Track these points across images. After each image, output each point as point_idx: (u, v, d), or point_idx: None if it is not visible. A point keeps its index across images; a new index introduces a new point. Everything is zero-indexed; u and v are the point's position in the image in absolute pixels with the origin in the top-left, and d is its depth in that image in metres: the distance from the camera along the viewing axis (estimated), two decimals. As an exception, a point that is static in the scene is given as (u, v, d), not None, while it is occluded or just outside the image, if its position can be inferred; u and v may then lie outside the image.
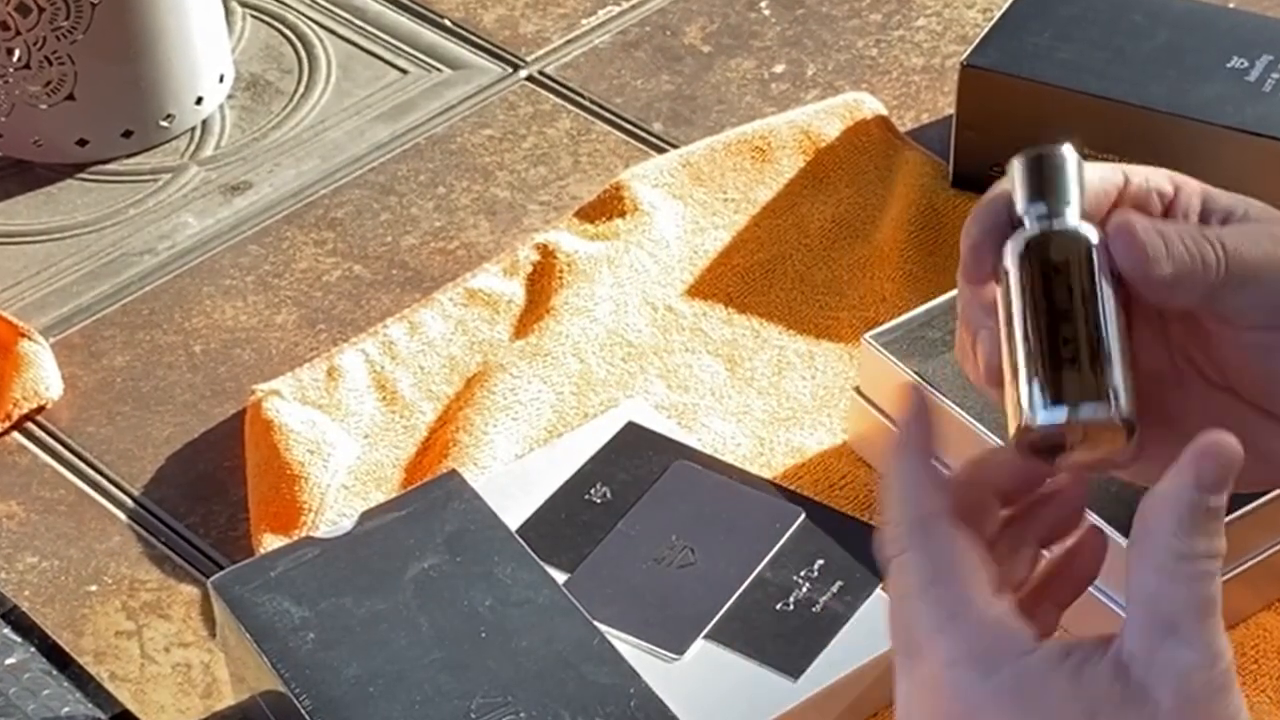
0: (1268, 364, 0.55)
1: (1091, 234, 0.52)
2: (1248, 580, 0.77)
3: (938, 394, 0.80)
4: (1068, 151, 0.53)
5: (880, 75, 1.06)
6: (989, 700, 0.48)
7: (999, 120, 0.95)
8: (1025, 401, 0.50)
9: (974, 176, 0.97)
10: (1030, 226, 0.52)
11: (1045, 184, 0.52)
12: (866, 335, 0.83)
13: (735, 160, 0.99)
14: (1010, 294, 0.51)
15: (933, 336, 0.83)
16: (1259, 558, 0.77)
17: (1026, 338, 0.51)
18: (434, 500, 0.76)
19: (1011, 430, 0.51)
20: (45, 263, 0.97)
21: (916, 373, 0.81)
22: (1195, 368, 0.56)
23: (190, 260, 0.97)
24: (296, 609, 0.72)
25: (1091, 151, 0.94)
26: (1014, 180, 0.53)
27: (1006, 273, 0.52)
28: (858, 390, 0.84)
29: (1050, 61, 0.94)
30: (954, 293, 0.84)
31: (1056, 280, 0.51)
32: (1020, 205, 0.52)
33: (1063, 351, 0.50)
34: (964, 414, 0.79)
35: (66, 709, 0.77)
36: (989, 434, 0.79)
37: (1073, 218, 0.52)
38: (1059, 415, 0.50)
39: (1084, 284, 0.51)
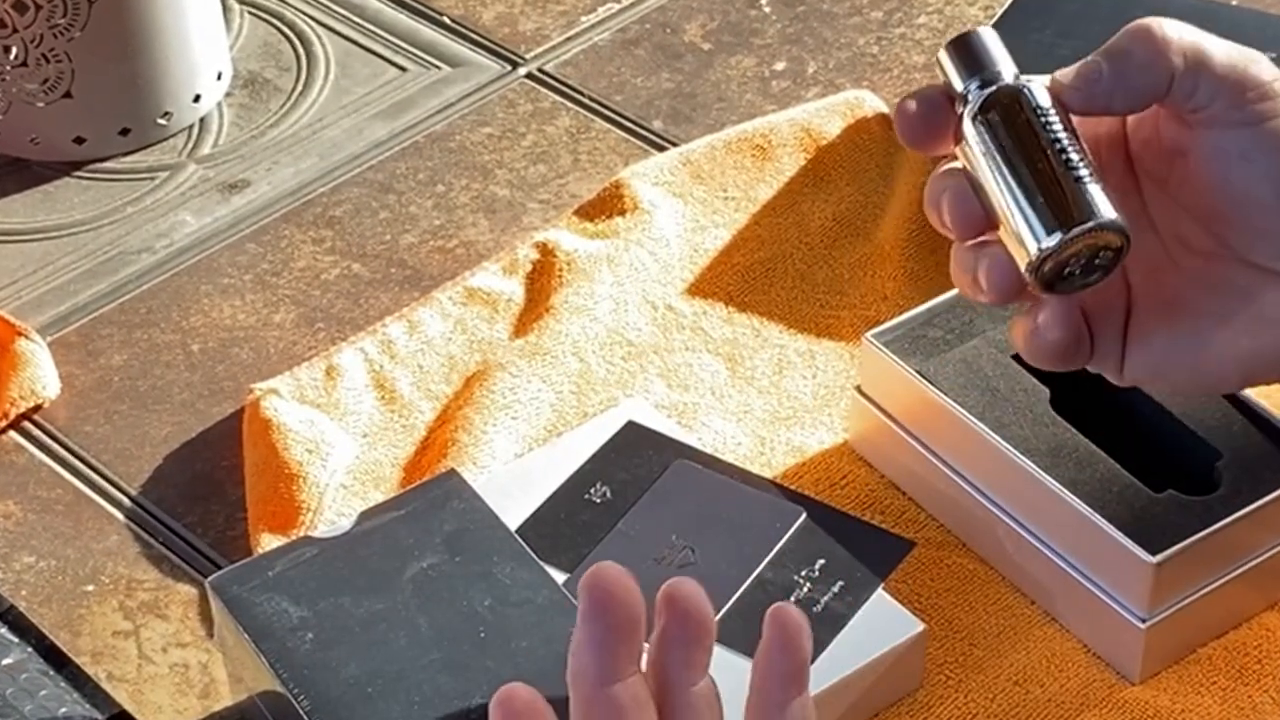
0: (1242, 174, 0.57)
1: (1034, 80, 0.57)
2: (1250, 580, 0.77)
3: (938, 393, 0.80)
4: (985, 30, 0.58)
5: (881, 73, 1.06)
6: None
7: None
8: (1027, 235, 0.55)
9: None
10: (975, 96, 0.57)
11: (976, 59, 0.58)
12: (867, 334, 0.83)
13: (736, 158, 0.99)
14: (979, 154, 0.56)
15: (934, 335, 0.83)
16: (1261, 558, 0.77)
17: (1007, 183, 0.56)
18: (433, 500, 0.76)
19: (1022, 268, 0.56)
20: (42, 261, 0.97)
21: (918, 372, 0.81)
22: (1180, 238, 0.59)
23: (188, 259, 0.97)
24: (295, 609, 0.72)
25: None
26: (946, 67, 0.58)
27: (968, 141, 0.57)
28: (859, 389, 0.84)
29: (1052, 58, 0.93)
30: (955, 292, 0.84)
31: (1017, 125, 0.56)
32: (959, 84, 0.58)
33: (1043, 183, 0.55)
34: (965, 413, 0.79)
35: (64, 709, 0.77)
36: (989, 433, 0.78)
37: (1010, 76, 0.57)
38: (1058, 237, 0.55)
39: (1041, 122, 0.56)
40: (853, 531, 0.78)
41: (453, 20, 1.11)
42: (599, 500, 0.80)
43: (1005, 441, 0.78)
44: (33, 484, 0.86)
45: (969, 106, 0.57)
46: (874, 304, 0.92)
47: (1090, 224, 0.55)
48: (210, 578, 0.74)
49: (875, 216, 0.97)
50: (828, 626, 0.75)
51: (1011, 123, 0.56)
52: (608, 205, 0.97)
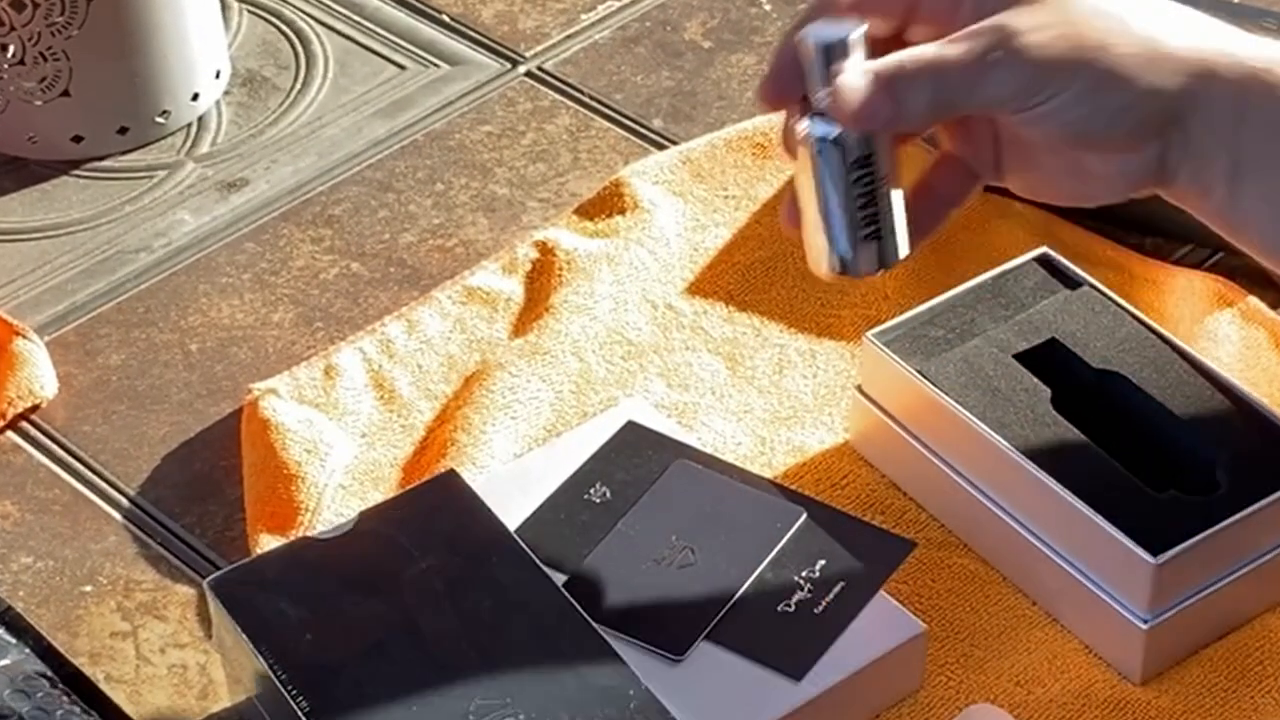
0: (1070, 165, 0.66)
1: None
2: (1251, 582, 0.77)
3: (939, 393, 0.80)
4: (854, 37, 0.65)
5: (881, 71, 1.06)
6: None
7: None
8: (818, 256, 0.68)
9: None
10: (812, 129, 0.65)
11: (832, 75, 0.65)
12: (868, 334, 0.82)
13: (736, 157, 0.99)
14: (801, 171, 0.66)
15: (934, 334, 0.82)
16: (1262, 559, 0.77)
17: (814, 209, 0.67)
18: (432, 500, 0.76)
19: (812, 264, 0.68)
20: (40, 260, 0.97)
21: (919, 371, 0.80)
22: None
23: (186, 258, 0.97)
24: (293, 610, 0.72)
25: None
26: (805, 61, 0.65)
27: (801, 147, 0.66)
28: (859, 389, 0.84)
29: None
30: (955, 291, 0.84)
31: (833, 173, 0.66)
32: (810, 90, 0.66)
33: (836, 225, 0.67)
34: (965, 413, 0.79)
35: (61, 711, 0.76)
36: (990, 433, 0.78)
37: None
38: (834, 270, 0.68)
39: (853, 178, 0.66)
40: (853, 532, 0.78)
41: (452, 18, 1.11)
42: (599, 500, 0.80)
43: (1006, 441, 0.77)
44: (30, 484, 0.86)
45: (806, 132, 0.65)
46: (875, 303, 0.92)
47: (859, 274, 0.67)
48: (209, 578, 0.74)
49: (876, 215, 0.96)
50: (829, 627, 0.74)
51: (831, 169, 0.66)
52: (607, 204, 0.97)
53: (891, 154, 0.67)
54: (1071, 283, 0.84)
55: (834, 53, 0.65)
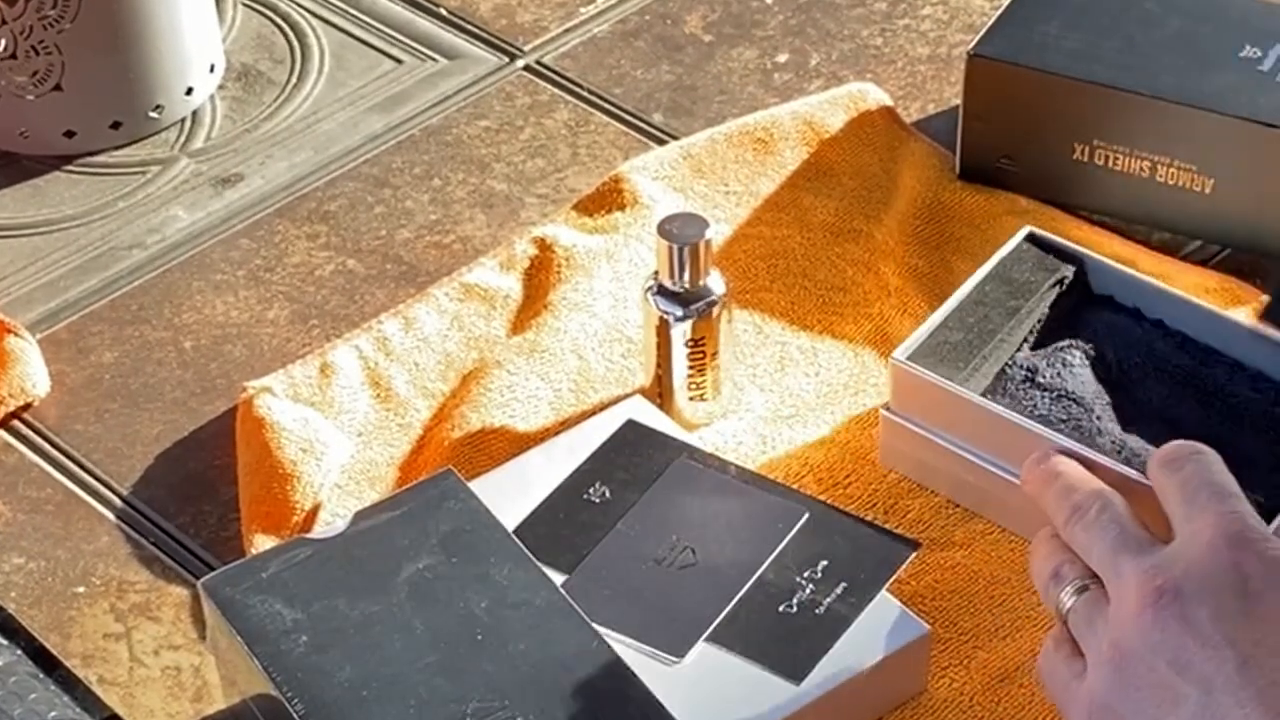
0: None
1: (716, 287, 0.82)
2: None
3: (995, 406, 0.79)
4: (704, 241, 0.80)
5: (885, 65, 1.05)
6: None
7: (1007, 111, 0.94)
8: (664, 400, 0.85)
9: (981, 168, 0.96)
10: (669, 303, 0.82)
11: (682, 269, 0.81)
12: (893, 357, 0.81)
13: (737, 152, 0.99)
14: (656, 329, 0.83)
15: (956, 340, 0.82)
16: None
17: (665, 359, 0.84)
18: (429, 500, 0.75)
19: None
20: (32, 257, 0.97)
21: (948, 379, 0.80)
22: None
23: (180, 254, 0.97)
24: (289, 611, 0.71)
25: (1102, 143, 0.93)
26: (659, 252, 0.81)
27: (652, 314, 0.83)
28: (888, 408, 0.82)
29: (1059, 51, 0.93)
30: (961, 292, 0.84)
31: (672, 346, 0.83)
32: (662, 275, 0.82)
33: (676, 378, 0.84)
34: (1036, 425, 0.78)
35: (54, 713, 0.76)
36: (1062, 437, 0.78)
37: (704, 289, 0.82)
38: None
39: (681, 354, 0.83)
40: (856, 532, 0.78)
41: (449, 12, 1.11)
42: (598, 500, 0.80)
43: (1082, 445, 0.76)
44: (22, 484, 0.86)
45: (673, 318, 0.82)
46: (877, 300, 0.91)
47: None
48: (203, 579, 0.73)
49: (878, 212, 0.96)
50: (830, 628, 0.74)
51: (667, 340, 0.82)
52: (607, 200, 0.96)
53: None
54: (1066, 256, 0.85)
55: (688, 250, 0.80)
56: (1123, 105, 0.91)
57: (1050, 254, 0.85)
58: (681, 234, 0.81)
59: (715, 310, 0.82)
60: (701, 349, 0.83)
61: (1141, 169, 0.92)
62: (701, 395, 0.84)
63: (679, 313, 0.82)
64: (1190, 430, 0.76)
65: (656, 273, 0.82)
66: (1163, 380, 0.81)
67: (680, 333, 0.82)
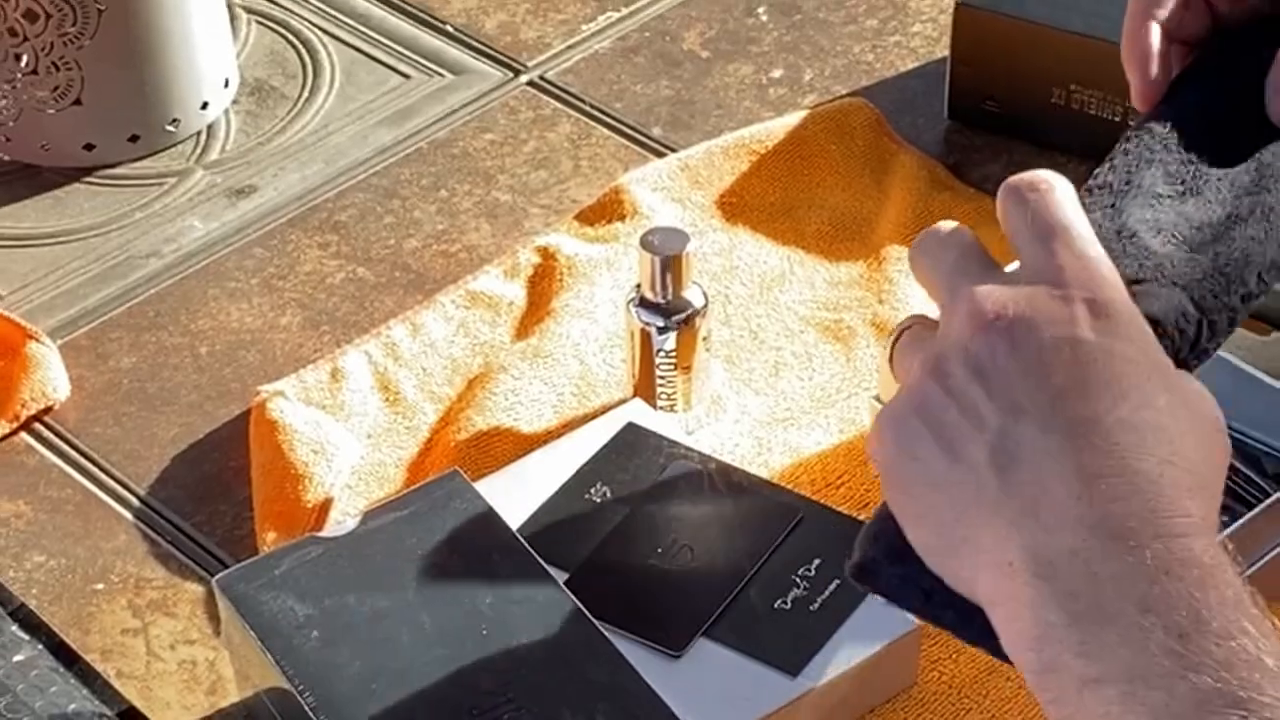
0: None
1: (695, 300, 0.84)
2: (1251, 582, 0.77)
3: None
4: (684, 254, 0.81)
5: (877, 80, 1.06)
6: None
7: (991, 57, 0.98)
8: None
9: (968, 109, 1.01)
10: (650, 315, 0.83)
11: (663, 281, 0.82)
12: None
13: (733, 164, 0.99)
14: (637, 339, 0.84)
15: None
16: (1262, 559, 0.77)
17: (645, 369, 0.85)
18: (436, 500, 0.76)
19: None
20: (52, 265, 0.98)
21: None
22: None
23: (196, 263, 0.97)
24: (300, 607, 0.72)
25: (1079, 88, 0.96)
26: (641, 264, 0.82)
27: (633, 324, 0.84)
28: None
29: (1039, 1, 0.96)
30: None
31: (648, 355, 0.84)
32: (644, 287, 0.83)
33: (654, 388, 0.85)
34: None
35: (73, 705, 0.77)
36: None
37: (684, 301, 0.83)
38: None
39: (657, 362, 0.84)
40: (849, 531, 0.77)
41: (456, 29, 1.11)
42: (599, 500, 0.80)
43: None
44: (43, 484, 0.87)
45: (650, 319, 0.83)
46: (870, 307, 0.92)
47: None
48: (217, 576, 0.74)
49: (870, 221, 0.97)
50: (825, 624, 0.75)
51: (652, 348, 0.84)
52: (608, 210, 0.97)
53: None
54: None
55: (669, 263, 0.82)
56: (1097, 53, 0.94)
57: None
58: (663, 247, 0.82)
59: (695, 322, 0.83)
60: (672, 360, 0.84)
61: (1114, 114, 0.96)
62: (672, 406, 0.85)
63: (660, 324, 0.83)
64: None
65: (639, 285, 0.83)
66: None
67: (658, 343, 0.84)
